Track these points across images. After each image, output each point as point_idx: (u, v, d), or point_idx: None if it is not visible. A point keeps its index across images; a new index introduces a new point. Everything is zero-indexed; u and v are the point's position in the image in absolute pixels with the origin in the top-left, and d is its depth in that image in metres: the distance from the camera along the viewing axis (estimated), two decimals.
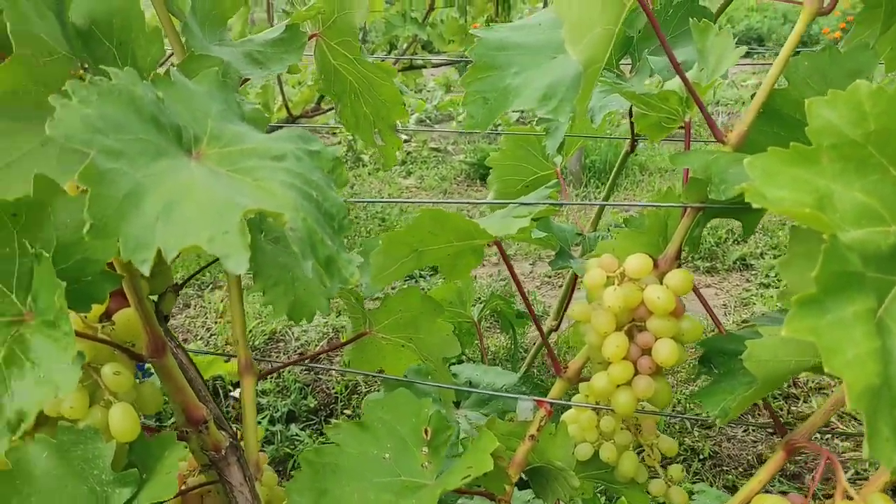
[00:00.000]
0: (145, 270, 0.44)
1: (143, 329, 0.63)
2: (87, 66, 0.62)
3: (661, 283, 0.70)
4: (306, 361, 2.03)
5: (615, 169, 1.58)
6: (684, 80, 0.72)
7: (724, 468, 1.72)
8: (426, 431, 0.72)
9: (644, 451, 0.82)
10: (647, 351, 0.70)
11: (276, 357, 2.34)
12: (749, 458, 1.75)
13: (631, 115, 1.35)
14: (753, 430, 1.85)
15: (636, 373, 0.70)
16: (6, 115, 0.55)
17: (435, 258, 0.75)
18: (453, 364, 2.00)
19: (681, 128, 0.85)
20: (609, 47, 0.67)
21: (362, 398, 2.13)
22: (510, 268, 0.77)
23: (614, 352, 0.69)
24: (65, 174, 0.55)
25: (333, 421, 2.09)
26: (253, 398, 0.77)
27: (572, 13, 0.63)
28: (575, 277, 1.63)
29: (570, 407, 0.84)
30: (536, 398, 0.79)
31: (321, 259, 0.51)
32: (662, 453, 0.82)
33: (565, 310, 1.65)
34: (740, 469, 1.72)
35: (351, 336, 0.96)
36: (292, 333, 2.47)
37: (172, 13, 0.78)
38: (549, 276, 2.90)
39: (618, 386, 0.71)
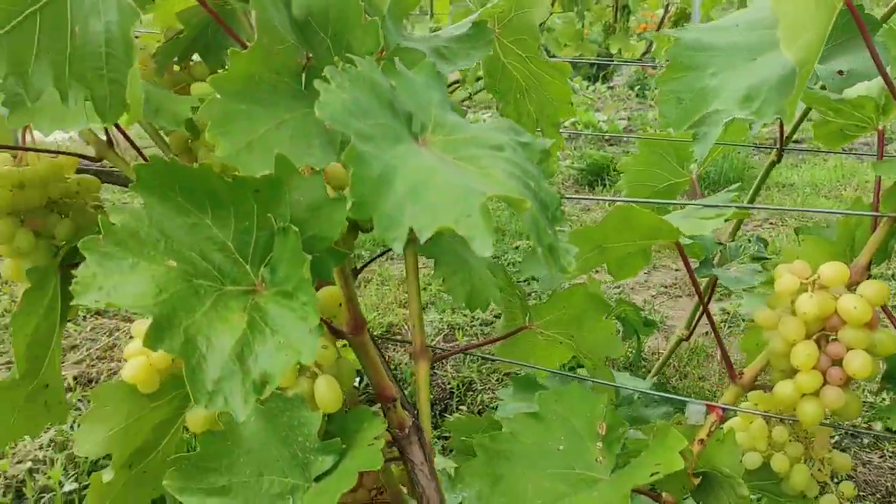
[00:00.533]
0: (398, 248, 0.47)
1: (345, 307, 0.66)
2: (310, 55, 0.66)
3: (853, 293, 0.68)
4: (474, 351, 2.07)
5: (760, 178, 1.54)
6: (890, 85, 0.70)
7: (861, 493, 1.65)
8: (601, 426, 0.73)
9: (814, 464, 0.80)
10: (837, 361, 0.68)
11: (392, 348, 2.39)
12: (888, 484, 1.68)
13: (781, 123, 1.31)
14: (891, 457, 1.76)
15: (824, 383, 0.69)
16: (245, 98, 0.59)
17: (615, 255, 0.76)
18: (579, 368, 1.99)
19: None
20: (820, 49, 0.66)
21: (477, 395, 2.15)
22: (689, 268, 0.76)
23: (804, 360, 0.67)
24: (296, 155, 0.58)
25: (448, 416, 2.12)
26: (427, 381, 0.79)
27: (788, 14, 0.63)
28: (712, 287, 1.60)
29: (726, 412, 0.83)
30: (708, 402, 0.78)
31: (545, 246, 0.52)
32: (834, 469, 0.80)
33: (698, 320, 1.63)
34: (878, 496, 1.65)
35: (505, 329, 0.97)
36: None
37: (367, 12, 0.81)
38: (665, 286, 2.85)
39: (803, 395, 0.69)
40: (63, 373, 2.15)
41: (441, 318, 2.56)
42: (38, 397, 0.88)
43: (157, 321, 0.49)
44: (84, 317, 2.58)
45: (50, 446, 1.75)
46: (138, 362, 0.65)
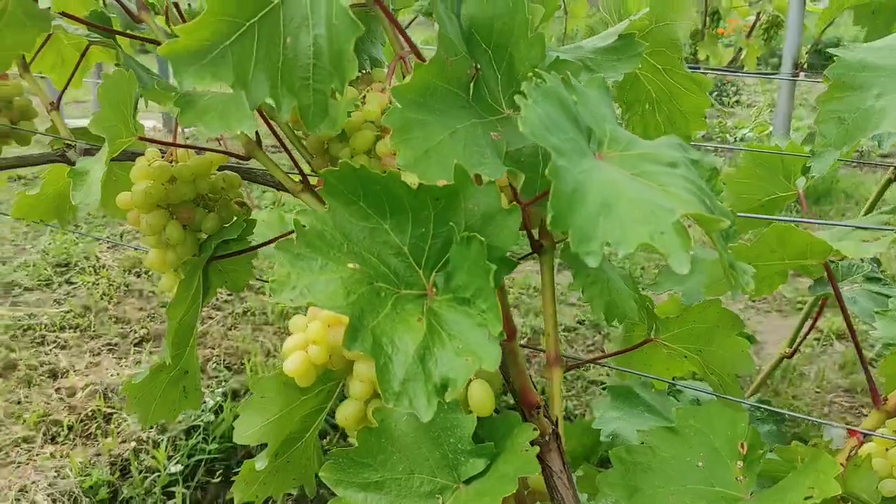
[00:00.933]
0: (591, 262, 0.48)
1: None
2: (477, 66, 0.67)
3: None
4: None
5: (875, 193, 1.50)
6: None
7: None
8: (743, 445, 0.73)
9: None
10: None
11: None
12: None
13: None
14: None
15: None
16: (422, 108, 0.61)
17: (762, 273, 0.75)
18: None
19: None
20: None
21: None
22: (836, 289, 0.75)
23: None
24: (470, 165, 0.60)
25: None
26: (560, 389, 0.80)
27: None
28: (821, 305, 1.56)
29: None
30: (849, 427, 0.77)
31: (726, 265, 0.53)
32: None
33: (803, 339, 1.59)
34: None
35: (624, 340, 0.98)
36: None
37: None
38: (753, 301, 2.80)
39: None
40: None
41: (524, 322, 2.57)
42: (178, 383, 0.93)
43: (352, 322, 0.51)
44: None
45: (152, 428, 1.82)
46: (299, 357, 0.68)
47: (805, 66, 4.39)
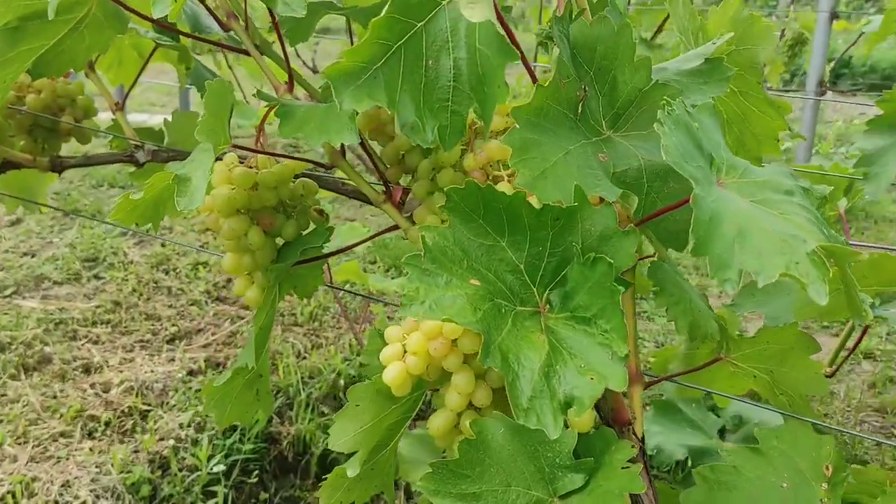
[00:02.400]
0: (728, 288, 0.49)
1: None
2: (585, 88, 0.68)
3: None
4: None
5: None
6: None
7: None
8: (827, 467, 0.74)
9: None
10: None
11: None
12: None
13: None
14: None
15: None
16: (536, 128, 0.62)
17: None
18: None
19: None
20: None
21: None
22: None
23: None
24: (587, 186, 0.61)
25: None
26: (640, 406, 0.81)
27: None
28: (865, 326, 1.57)
29: None
30: None
31: (852, 293, 0.54)
32: None
33: (845, 358, 1.60)
34: None
35: (688, 356, 0.99)
36: None
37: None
38: None
39: None
40: (194, 355, 2.25)
41: None
42: (253, 386, 0.94)
43: (485, 339, 0.52)
44: (207, 300, 2.68)
45: (190, 426, 1.84)
46: (398, 368, 0.69)
47: (828, 84, 4.39)
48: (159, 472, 1.69)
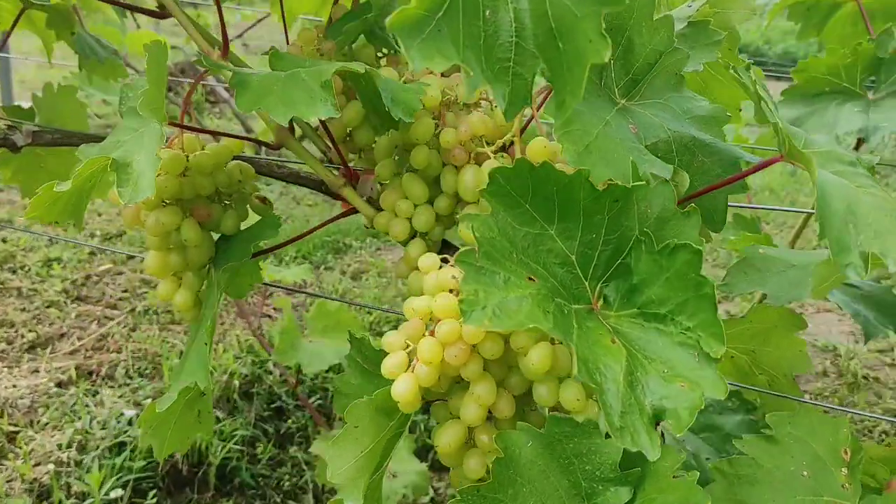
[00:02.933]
0: (851, 274, 0.43)
1: None
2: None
3: None
4: None
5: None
6: None
7: None
8: (846, 451, 0.71)
9: None
10: None
11: None
12: None
13: None
14: None
15: None
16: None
17: None
18: None
19: None
20: None
21: None
22: None
23: None
24: (642, 163, 0.54)
25: None
26: None
27: None
28: None
29: None
30: None
31: None
32: None
33: None
34: None
35: None
36: None
37: None
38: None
39: None
40: (61, 364, 2.00)
41: None
42: (194, 406, 0.80)
43: (580, 353, 0.43)
44: (66, 301, 2.41)
45: (70, 446, 1.62)
46: (410, 382, 0.58)
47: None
48: (36, 501, 1.47)
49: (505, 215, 0.49)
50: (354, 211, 0.86)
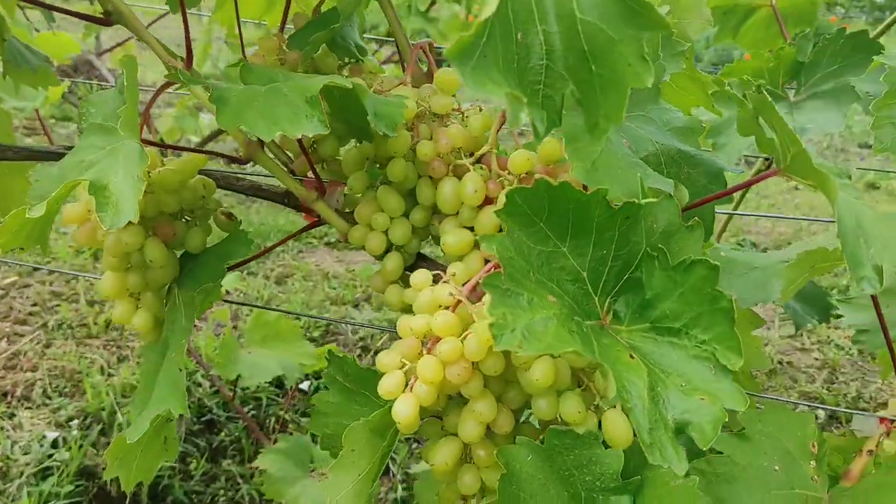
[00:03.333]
0: (868, 289, 0.45)
1: None
2: None
3: None
4: None
5: None
6: None
7: None
8: (813, 445, 0.74)
9: None
10: None
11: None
12: None
13: None
14: None
15: None
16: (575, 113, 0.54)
17: None
18: None
19: None
20: None
21: None
22: None
23: None
24: (645, 178, 0.54)
25: None
26: None
27: None
28: None
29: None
30: (880, 415, 0.81)
31: None
32: None
33: None
34: None
35: None
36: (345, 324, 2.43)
37: None
38: None
39: None
40: None
41: (381, 316, 2.49)
42: (160, 432, 0.77)
43: (614, 372, 0.44)
44: None
45: None
46: (411, 402, 0.58)
47: None
48: None
49: (520, 234, 0.49)
50: (318, 223, 0.84)
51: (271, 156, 0.80)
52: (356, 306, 2.56)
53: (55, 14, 1.35)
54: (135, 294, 0.78)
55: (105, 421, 1.79)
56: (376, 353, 2.28)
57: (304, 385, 2.09)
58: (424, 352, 0.60)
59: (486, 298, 0.46)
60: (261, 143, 0.75)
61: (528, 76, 0.42)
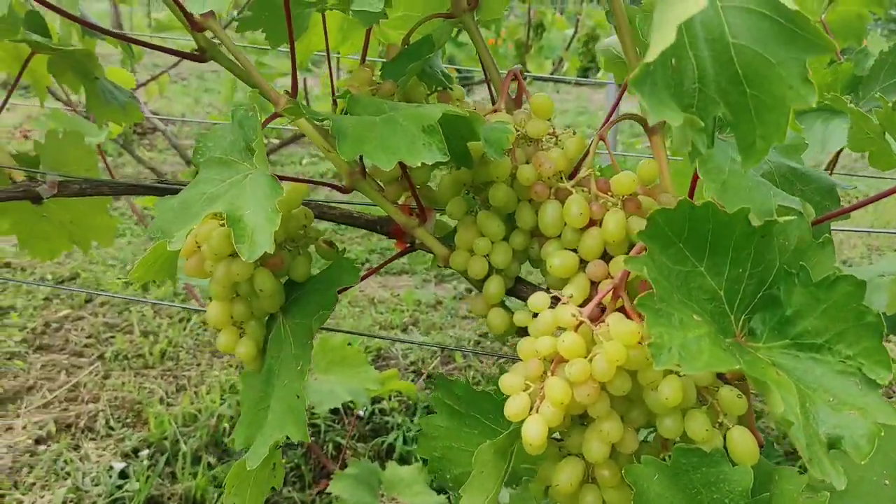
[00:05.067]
0: None
1: None
2: None
3: None
4: None
5: None
6: None
7: None
8: None
9: None
10: None
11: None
12: None
13: None
14: None
15: None
16: None
17: None
18: None
19: None
20: None
21: None
22: None
23: None
24: (767, 196, 0.55)
25: None
26: None
27: None
28: None
29: None
30: None
31: None
32: None
33: None
34: None
35: None
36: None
37: None
38: None
39: None
40: (37, 418, 1.91)
41: (431, 338, 2.50)
42: (270, 458, 0.78)
43: (783, 390, 0.44)
44: (27, 351, 2.30)
45: None
46: (540, 424, 0.58)
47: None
48: None
49: (660, 256, 0.50)
50: (411, 250, 0.86)
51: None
52: (404, 330, 2.58)
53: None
54: (237, 323, 0.79)
55: (169, 450, 1.81)
56: (429, 376, 2.29)
57: (360, 411, 2.10)
58: (548, 373, 0.60)
59: (644, 318, 0.47)
60: (363, 172, 0.77)
61: (684, 99, 0.43)
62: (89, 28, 0.93)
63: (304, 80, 3.19)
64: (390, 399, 2.12)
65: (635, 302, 0.46)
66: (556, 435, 0.67)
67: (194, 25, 0.75)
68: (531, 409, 0.60)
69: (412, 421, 2.10)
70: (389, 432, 2.03)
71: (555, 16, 4.79)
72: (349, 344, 1.51)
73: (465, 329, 2.53)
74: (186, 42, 3.51)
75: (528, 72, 4.85)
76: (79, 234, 1.13)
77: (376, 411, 2.09)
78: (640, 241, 0.50)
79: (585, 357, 0.59)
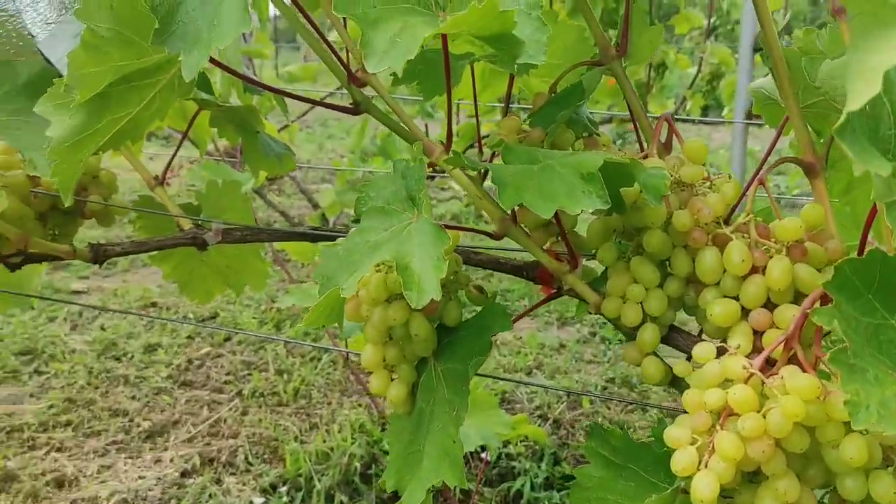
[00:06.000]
0: None
1: None
2: None
3: None
4: None
5: None
6: None
7: None
8: None
9: None
10: None
11: None
12: None
13: None
14: None
15: None
16: None
17: None
18: None
19: None
20: None
21: None
22: None
23: None
24: None
25: None
26: None
27: None
28: None
29: None
30: None
31: None
32: None
33: None
34: None
35: None
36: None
37: None
38: None
39: None
40: (183, 452, 2.00)
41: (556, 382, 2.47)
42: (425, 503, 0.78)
43: None
44: (173, 387, 2.43)
45: None
46: (712, 481, 0.56)
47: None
48: None
49: (847, 307, 0.48)
50: (557, 296, 0.85)
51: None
52: (528, 374, 2.56)
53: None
54: (389, 366, 0.81)
55: (304, 487, 1.86)
56: (554, 421, 2.25)
57: (486, 455, 2.09)
58: (717, 427, 0.58)
59: (836, 374, 0.45)
60: (514, 219, 0.78)
61: (879, 145, 0.41)
62: (251, 84, 0.99)
63: (426, 125, 3.27)
64: (517, 444, 2.10)
65: (827, 357, 0.44)
66: (722, 493, 0.64)
67: (354, 81, 0.79)
68: (699, 463, 0.58)
69: (539, 467, 2.07)
70: (516, 477, 2.01)
71: (677, 55, 4.72)
72: (483, 388, 1.51)
73: (590, 374, 2.49)
74: (315, 91, 3.67)
75: (649, 112, 4.78)
76: (233, 277, 1.19)
77: (503, 455, 2.08)
78: (826, 290, 0.48)
79: (758, 411, 0.56)
